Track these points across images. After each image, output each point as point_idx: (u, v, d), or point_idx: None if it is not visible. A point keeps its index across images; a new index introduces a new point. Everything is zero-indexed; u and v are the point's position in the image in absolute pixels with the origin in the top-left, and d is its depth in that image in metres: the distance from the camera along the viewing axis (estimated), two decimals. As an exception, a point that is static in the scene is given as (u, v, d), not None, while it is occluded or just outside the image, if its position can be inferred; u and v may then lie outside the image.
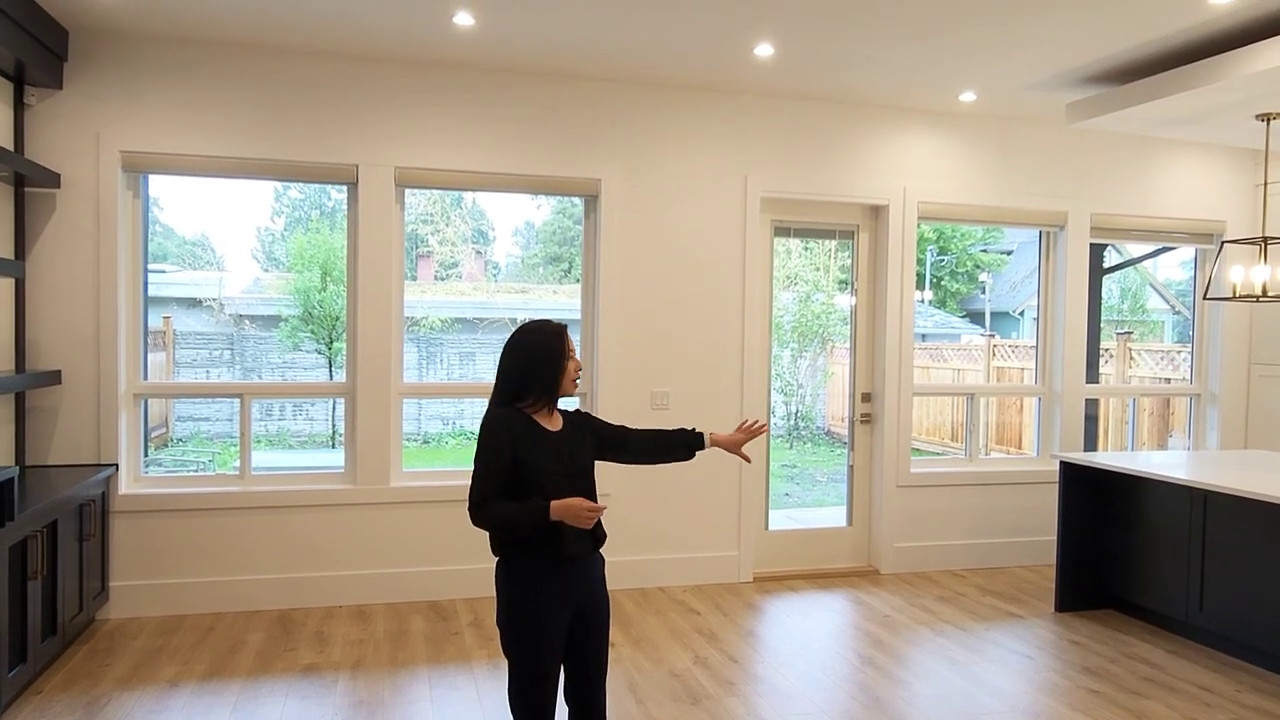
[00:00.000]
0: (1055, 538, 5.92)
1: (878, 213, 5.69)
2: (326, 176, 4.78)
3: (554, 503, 2.31)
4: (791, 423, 11.74)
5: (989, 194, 5.74)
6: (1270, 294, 4.49)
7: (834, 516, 6.06)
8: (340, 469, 4.98)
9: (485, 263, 16.44)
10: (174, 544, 4.65)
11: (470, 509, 2.36)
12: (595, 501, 2.45)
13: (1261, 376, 6.15)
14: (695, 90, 5.25)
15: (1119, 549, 4.88)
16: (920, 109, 5.58)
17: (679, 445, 2.69)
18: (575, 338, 2.64)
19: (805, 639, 4.49)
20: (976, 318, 20.22)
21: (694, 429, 2.73)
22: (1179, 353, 9.56)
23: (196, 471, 10.18)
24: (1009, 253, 21.75)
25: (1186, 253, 6.79)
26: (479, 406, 3.16)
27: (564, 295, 14.83)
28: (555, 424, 2.46)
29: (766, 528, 5.64)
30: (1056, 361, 5.97)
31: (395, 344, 4.94)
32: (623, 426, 2.67)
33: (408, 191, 5.00)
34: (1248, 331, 6.21)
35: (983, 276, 21.15)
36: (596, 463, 2.57)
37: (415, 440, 12.72)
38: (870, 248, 5.74)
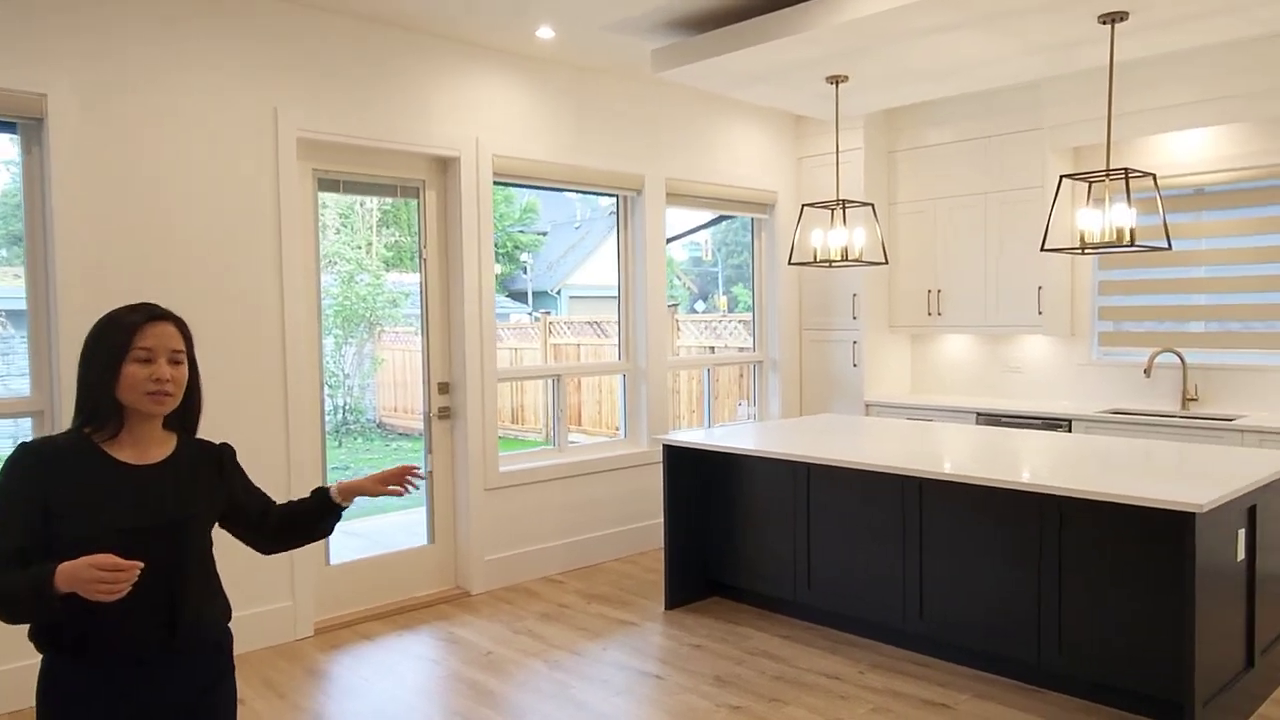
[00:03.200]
0: (650, 525, 5.61)
1: (447, 166, 4.74)
2: None
3: (61, 566, 1.47)
4: (340, 417, 10.44)
5: (569, 152, 5.11)
6: (850, 257, 4.45)
7: (410, 531, 5.03)
8: None
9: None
10: None
11: None
12: (206, 575, 1.77)
13: (812, 341, 6.43)
14: (194, -16, 3.81)
15: (725, 533, 4.59)
16: (493, 46, 4.74)
17: (318, 512, 1.93)
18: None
19: (391, 710, 3.45)
20: (519, 297, 20.44)
21: (320, 486, 1.97)
22: (719, 322, 10.16)
23: None
24: (544, 233, 22.40)
25: (696, 233, 6.91)
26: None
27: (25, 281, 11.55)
28: (153, 454, 1.72)
29: (328, 561, 4.44)
30: (640, 335, 5.60)
31: None
32: (262, 492, 1.94)
33: None
34: (798, 299, 6.46)
35: (523, 256, 21.45)
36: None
37: None
38: (439, 208, 4.78)
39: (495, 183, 4.87)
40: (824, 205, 4.55)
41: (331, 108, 4.20)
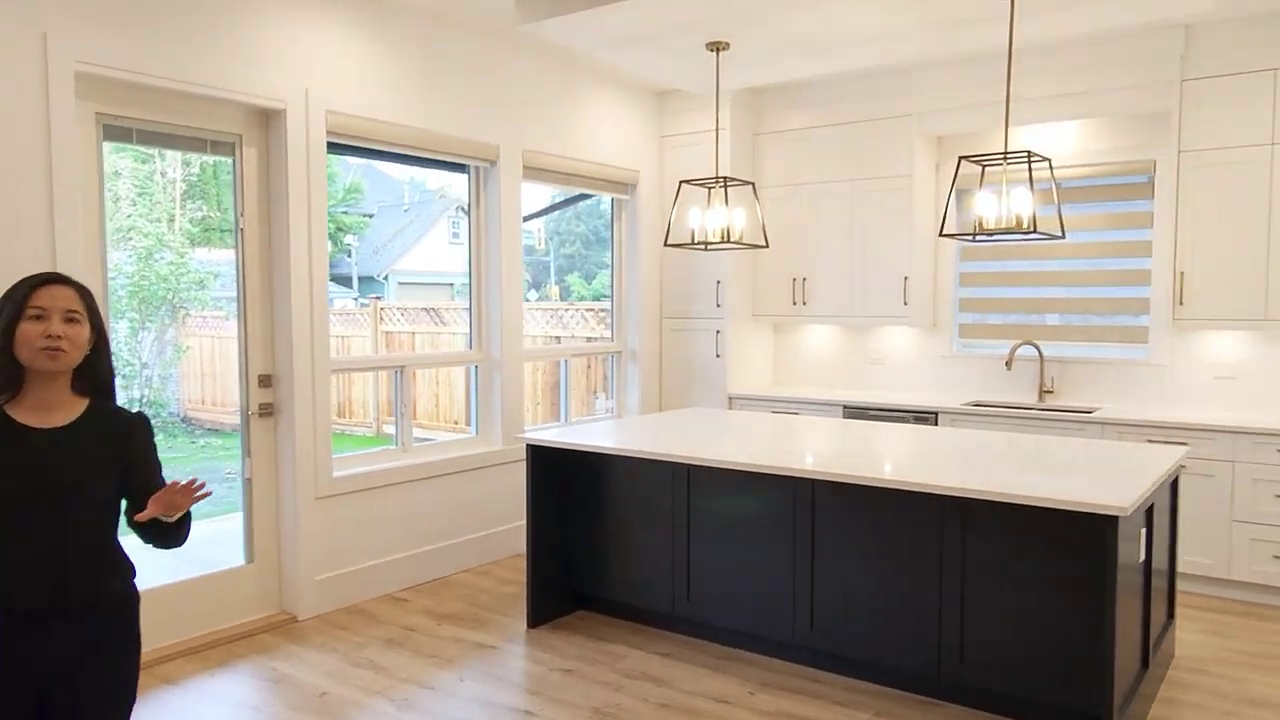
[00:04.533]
0: (503, 530, 5.14)
1: (270, 120, 4.04)
2: None
3: None
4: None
5: (417, 114, 4.50)
6: (732, 239, 4.12)
7: (222, 547, 4.28)
8: None
9: None
10: None
11: None
12: (102, 539, 1.80)
13: (673, 330, 6.10)
14: None
15: (593, 541, 4.16)
16: (322, -17, 4.07)
17: (166, 528, 1.87)
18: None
19: (206, 780, 2.80)
20: (343, 282, 19.23)
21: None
22: (565, 311, 9.72)
23: None
24: (370, 215, 21.21)
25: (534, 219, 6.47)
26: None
27: None
28: (56, 417, 1.78)
29: (119, 591, 3.66)
30: (493, 322, 5.06)
31: None
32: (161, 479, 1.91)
33: None
34: (659, 285, 6.11)
35: (347, 239, 20.19)
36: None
37: None
38: (261, 171, 4.07)
39: (330, 144, 4.21)
40: (703, 182, 4.19)
41: (122, 38, 3.43)
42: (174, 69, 3.57)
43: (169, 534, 1.87)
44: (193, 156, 5.25)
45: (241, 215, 4.03)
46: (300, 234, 4.07)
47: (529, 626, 4.05)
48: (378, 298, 12.47)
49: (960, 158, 3.44)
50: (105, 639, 1.81)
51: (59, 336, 1.73)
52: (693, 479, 3.82)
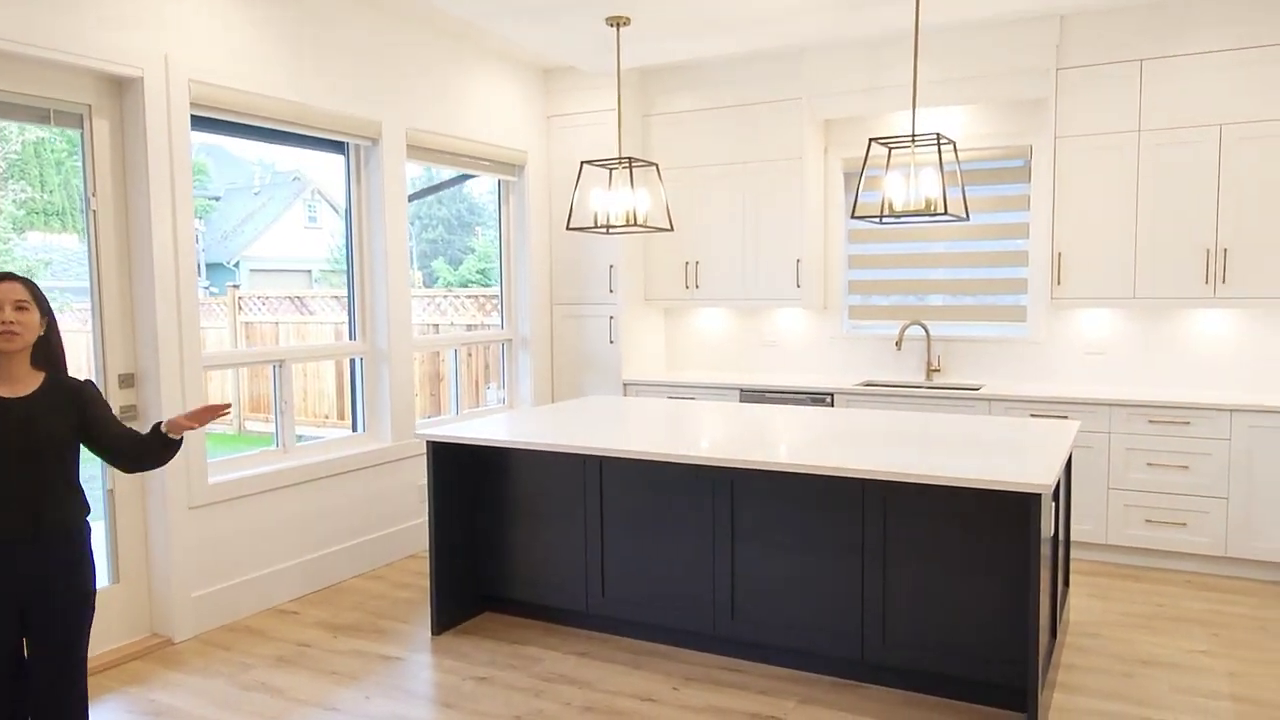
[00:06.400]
0: (394, 531, 4.88)
1: (124, 89, 3.61)
2: None
3: None
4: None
5: (291, 86, 4.14)
6: (637, 221, 3.99)
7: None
8: None
9: None
10: None
11: None
12: (65, 484, 2.26)
13: (564, 317, 5.93)
14: None
15: (498, 539, 3.97)
16: (180, -63, 3.66)
17: (159, 445, 2.39)
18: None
19: (84, 836, 2.47)
20: (190, 269, 17.99)
21: (157, 423, 2.39)
22: (444, 297, 9.36)
23: None
24: (217, 198, 19.96)
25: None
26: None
27: None
28: (20, 388, 2.21)
29: (-42, 624, 3.21)
30: (379, 311, 4.76)
31: None
32: (119, 423, 2.38)
33: None
34: (549, 270, 5.93)
35: (195, 224, 18.95)
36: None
37: None
38: (115, 144, 3.64)
39: (195, 118, 3.81)
40: (606, 163, 4.04)
41: (-56, -10, 2.97)
42: (8, 27, 3.12)
43: (162, 454, 2.37)
44: (12, 132, 4.69)
45: (93, 195, 3.59)
46: (163, 215, 3.67)
47: (434, 633, 3.83)
48: (235, 286, 11.66)
49: (870, 140, 3.43)
50: (70, 559, 2.25)
51: (11, 322, 2.14)
52: (605, 471, 3.69)
